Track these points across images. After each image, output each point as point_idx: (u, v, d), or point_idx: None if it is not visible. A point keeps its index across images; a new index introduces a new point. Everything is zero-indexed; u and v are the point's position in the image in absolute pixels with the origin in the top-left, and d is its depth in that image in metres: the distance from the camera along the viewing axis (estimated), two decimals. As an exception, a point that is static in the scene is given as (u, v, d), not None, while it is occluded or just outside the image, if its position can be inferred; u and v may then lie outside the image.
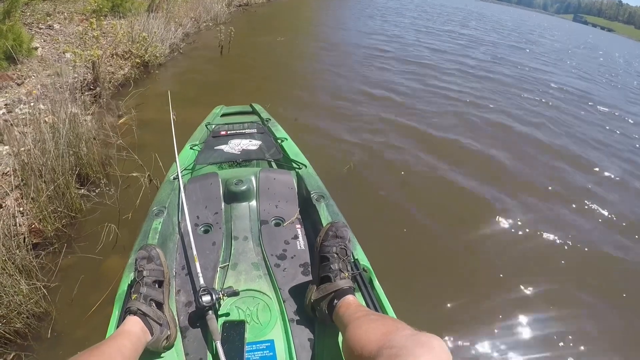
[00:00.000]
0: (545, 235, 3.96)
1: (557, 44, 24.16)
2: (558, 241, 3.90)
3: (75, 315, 2.58)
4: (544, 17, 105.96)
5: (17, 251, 2.69)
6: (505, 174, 4.93)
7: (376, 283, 1.71)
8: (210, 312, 1.49)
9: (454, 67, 10.80)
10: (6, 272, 2.47)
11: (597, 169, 5.59)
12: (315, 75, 8.64)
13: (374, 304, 1.59)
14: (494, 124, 6.62)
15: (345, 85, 7.88)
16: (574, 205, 4.56)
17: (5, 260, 2.51)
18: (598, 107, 9.38)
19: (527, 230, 3.99)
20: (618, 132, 7.65)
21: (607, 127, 7.82)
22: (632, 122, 8.68)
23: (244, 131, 3.09)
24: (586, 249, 3.84)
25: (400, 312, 1.53)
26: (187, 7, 13.41)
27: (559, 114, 7.96)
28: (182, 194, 2.06)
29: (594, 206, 4.59)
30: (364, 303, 1.58)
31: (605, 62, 20.54)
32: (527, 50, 17.34)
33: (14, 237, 2.79)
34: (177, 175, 2.24)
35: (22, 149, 3.68)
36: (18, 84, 5.74)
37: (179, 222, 2.07)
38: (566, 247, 3.83)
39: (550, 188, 4.81)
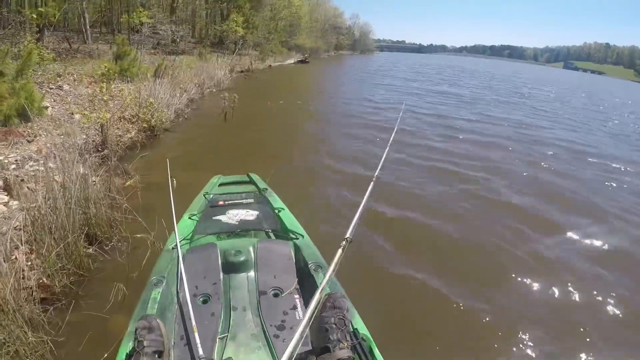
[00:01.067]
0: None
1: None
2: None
3: (80, 372, 2.68)
4: (538, 68, 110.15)
5: (25, 304, 2.86)
6: (505, 246, 4.88)
7: (376, 352, 1.79)
8: None
9: (447, 135, 10.78)
10: (14, 323, 2.62)
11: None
12: (315, 143, 8.96)
13: None
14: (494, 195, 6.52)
15: (343, 154, 8.14)
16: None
17: (13, 310, 2.67)
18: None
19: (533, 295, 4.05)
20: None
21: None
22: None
23: (241, 201, 3.23)
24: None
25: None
26: (191, 73, 14.06)
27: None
28: (181, 264, 2.15)
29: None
30: None
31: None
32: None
33: (23, 289, 2.97)
34: (176, 245, 2.35)
35: (33, 205, 3.92)
36: (29, 141, 6.04)
37: (177, 292, 2.16)
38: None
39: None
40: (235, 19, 28.90)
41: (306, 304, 2.11)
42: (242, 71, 22.80)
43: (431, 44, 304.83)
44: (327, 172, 6.95)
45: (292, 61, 39.12)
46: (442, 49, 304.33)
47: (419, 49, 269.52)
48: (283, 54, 39.36)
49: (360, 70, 35.19)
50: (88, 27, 16.99)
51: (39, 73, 9.25)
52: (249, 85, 18.32)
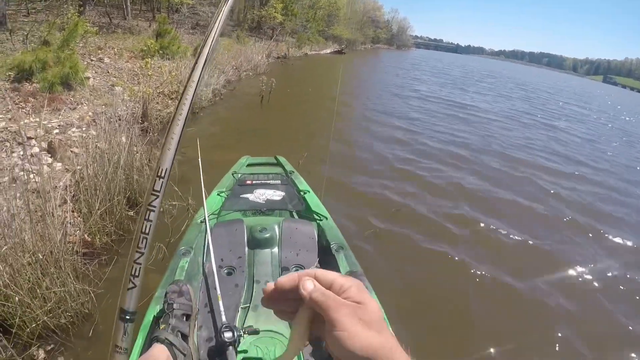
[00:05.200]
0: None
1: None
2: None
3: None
4: (577, 80, 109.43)
5: (69, 256, 3.07)
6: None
7: (389, 328, 1.89)
8: (230, 347, 1.68)
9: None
10: (57, 268, 2.84)
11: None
12: (348, 130, 9.25)
13: None
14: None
15: (374, 145, 8.30)
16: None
17: (58, 259, 2.89)
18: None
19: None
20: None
21: None
22: None
23: (268, 182, 3.34)
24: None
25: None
26: (229, 55, 14.28)
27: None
28: (209, 237, 2.27)
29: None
30: None
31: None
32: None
33: (67, 243, 3.19)
34: (204, 219, 2.45)
35: (79, 167, 4.16)
36: (71, 109, 6.32)
37: (203, 263, 2.29)
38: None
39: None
40: (275, 5, 29.16)
41: None
42: (278, 57, 23.08)
43: (469, 45, 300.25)
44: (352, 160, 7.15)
45: (328, 51, 39.26)
46: (480, 51, 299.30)
47: (455, 49, 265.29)
48: (320, 43, 39.43)
49: (395, 68, 34.76)
50: (129, 3, 17.36)
51: (81, 45, 9.59)
52: (285, 72, 18.59)
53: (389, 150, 8.04)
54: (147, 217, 1.46)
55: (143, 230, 1.48)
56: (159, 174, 1.40)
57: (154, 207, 1.45)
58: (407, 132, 9.94)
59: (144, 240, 1.47)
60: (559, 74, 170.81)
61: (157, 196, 1.42)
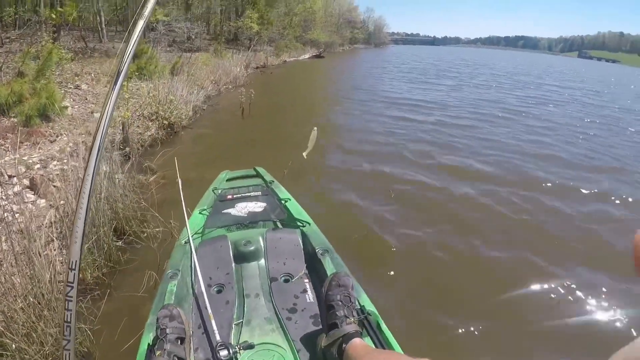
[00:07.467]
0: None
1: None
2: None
3: (118, 355, 2.87)
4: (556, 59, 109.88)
5: (61, 295, 3.06)
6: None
7: (383, 326, 1.91)
8: None
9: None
10: (50, 310, 2.82)
11: None
12: (329, 137, 9.14)
13: (382, 345, 1.80)
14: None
15: (354, 150, 8.28)
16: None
17: (50, 300, 2.88)
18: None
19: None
20: None
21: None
22: None
23: (249, 194, 3.36)
24: None
25: (408, 349, 1.81)
26: (207, 70, 14.31)
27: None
28: (194, 257, 2.31)
29: None
30: (373, 345, 1.80)
31: None
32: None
33: (58, 282, 3.18)
34: (188, 239, 2.48)
35: (62, 202, 4.15)
36: (51, 141, 6.30)
37: (192, 284, 2.31)
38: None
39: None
40: (250, 15, 29.26)
41: (315, 287, 2.26)
42: (257, 67, 23.10)
43: (445, 36, 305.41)
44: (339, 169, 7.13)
45: (307, 56, 39.26)
46: (456, 41, 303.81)
47: (432, 41, 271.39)
48: (298, 49, 39.47)
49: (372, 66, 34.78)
50: (104, 25, 17.33)
51: (57, 73, 9.54)
52: (265, 81, 18.60)
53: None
54: (66, 306, 1.54)
55: (66, 319, 1.57)
56: (70, 267, 1.53)
57: (71, 297, 1.56)
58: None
59: (68, 328, 1.59)
60: (536, 54, 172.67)
61: (72, 287, 1.56)
